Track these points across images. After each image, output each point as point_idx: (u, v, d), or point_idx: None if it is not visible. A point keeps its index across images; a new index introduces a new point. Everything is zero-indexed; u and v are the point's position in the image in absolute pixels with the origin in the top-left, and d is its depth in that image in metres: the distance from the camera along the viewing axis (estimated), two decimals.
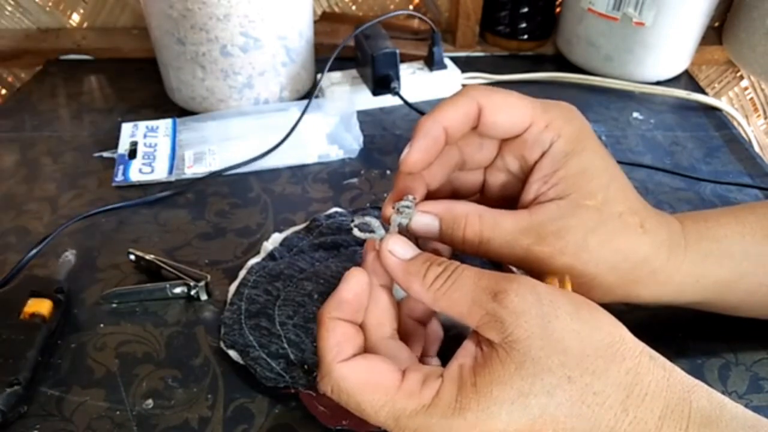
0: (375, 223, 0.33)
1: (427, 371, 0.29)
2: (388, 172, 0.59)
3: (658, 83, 0.73)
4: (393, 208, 0.34)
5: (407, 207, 0.34)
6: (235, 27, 0.59)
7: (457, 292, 0.29)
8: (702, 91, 0.73)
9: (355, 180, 0.58)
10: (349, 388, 0.28)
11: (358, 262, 0.47)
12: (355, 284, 0.31)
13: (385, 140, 0.63)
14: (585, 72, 0.74)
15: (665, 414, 0.26)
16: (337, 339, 0.30)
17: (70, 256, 0.46)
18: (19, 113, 0.68)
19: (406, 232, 0.34)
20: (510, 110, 0.34)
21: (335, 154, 0.60)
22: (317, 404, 0.37)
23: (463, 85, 0.71)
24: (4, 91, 0.89)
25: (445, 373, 0.28)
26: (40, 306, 0.40)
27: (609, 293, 0.35)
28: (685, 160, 0.61)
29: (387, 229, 0.34)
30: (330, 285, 0.44)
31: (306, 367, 0.39)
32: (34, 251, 0.46)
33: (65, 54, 0.79)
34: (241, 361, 0.40)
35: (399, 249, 0.32)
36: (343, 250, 0.48)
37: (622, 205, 0.34)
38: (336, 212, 0.52)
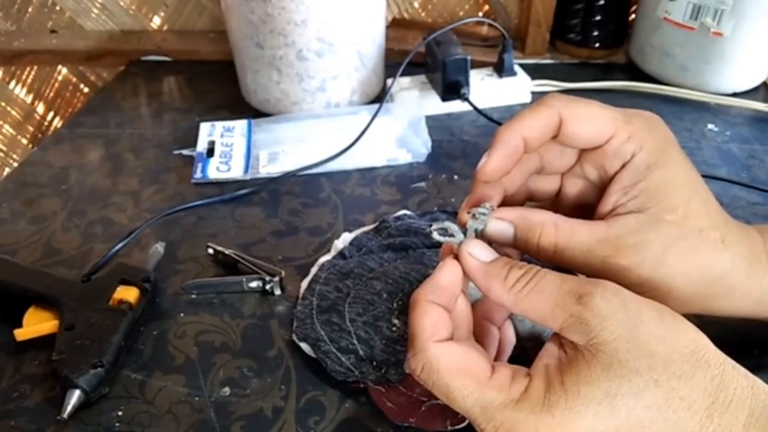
0: (454, 227, 0.34)
1: (514, 368, 0.30)
2: (455, 177, 0.59)
3: (734, 95, 0.71)
4: (469, 213, 0.35)
5: (483, 213, 0.34)
6: (312, 32, 0.61)
7: (539, 295, 0.30)
8: None
9: (422, 184, 0.58)
10: (442, 369, 0.29)
11: (426, 263, 0.48)
12: (450, 272, 0.32)
13: (452, 145, 0.64)
14: (658, 82, 0.73)
15: (750, 422, 0.26)
16: (433, 320, 0.31)
17: (159, 248, 0.48)
18: (104, 111, 0.72)
19: (480, 237, 0.35)
20: (592, 121, 0.34)
21: (404, 158, 0.61)
22: (386, 400, 0.38)
23: (533, 93, 0.71)
24: (87, 89, 0.94)
25: (532, 371, 0.29)
26: (128, 293, 0.43)
27: (684, 306, 0.35)
28: (763, 174, 0.60)
29: (465, 234, 0.34)
30: (398, 285, 0.45)
31: (375, 363, 0.40)
32: (123, 243, 0.48)
33: (146, 55, 0.83)
34: (313, 354, 0.41)
35: (478, 252, 0.33)
36: (411, 252, 0.49)
37: (703, 220, 0.33)
38: (405, 215, 0.53)
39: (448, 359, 0.29)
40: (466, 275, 0.33)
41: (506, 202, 0.36)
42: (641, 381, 0.26)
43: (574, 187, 0.37)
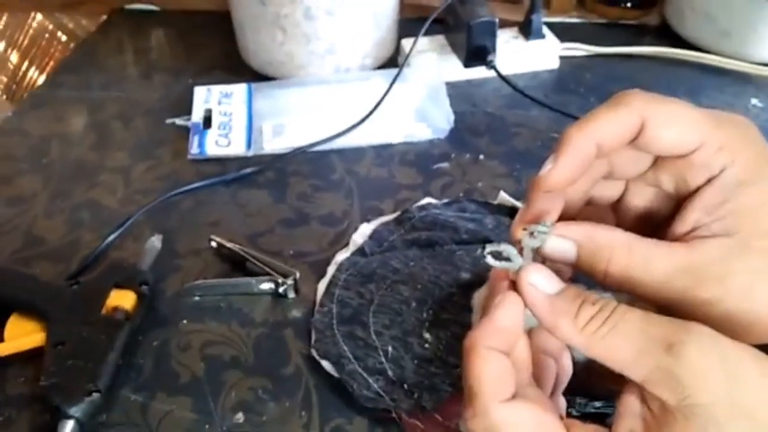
0: (511, 250, 0.29)
1: (591, 430, 0.25)
2: (481, 156, 0.54)
3: None
4: (525, 230, 0.30)
5: (543, 232, 0.29)
6: None
7: (619, 339, 0.25)
8: None
9: (445, 164, 0.53)
10: None
11: (458, 265, 0.43)
12: (512, 310, 0.28)
13: (475, 119, 0.58)
14: (696, 48, 0.66)
15: None
16: (496, 374, 0.26)
17: (156, 241, 0.42)
18: (86, 69, 0.64)
19: (535, 255, 0.30)
20: (679, 125, 0.28)
21: (423, 133, 0.55)
22: None
23: (562, 58, 0.65)
24: (65, 38, 0.85)
25: None
26: (124, 299, 0.38)
27: (761, 338, 0.31)
28: None
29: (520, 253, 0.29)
30: (428, 291, 0.41)
31: (406, 386, 0.36)
32: (114, 236, 0.43)
33: (130, 3, 0.75)
34: (336, 374, 0.37)
35: (542, 281, 0.28)
36: (438, 249, 0.44)
37: None
38: (429, 204, 0.48)
39: (518, 424, 0.25)
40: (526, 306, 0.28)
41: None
42: None
43: (642, 196, 0.32)
